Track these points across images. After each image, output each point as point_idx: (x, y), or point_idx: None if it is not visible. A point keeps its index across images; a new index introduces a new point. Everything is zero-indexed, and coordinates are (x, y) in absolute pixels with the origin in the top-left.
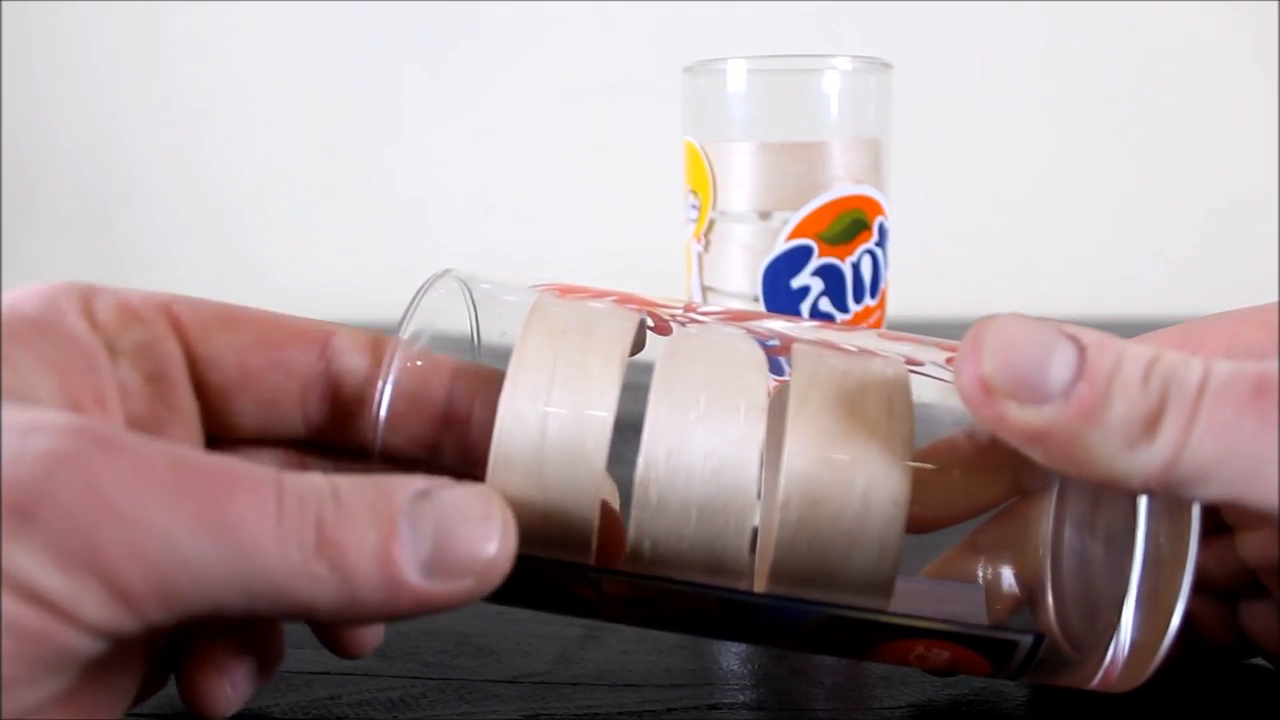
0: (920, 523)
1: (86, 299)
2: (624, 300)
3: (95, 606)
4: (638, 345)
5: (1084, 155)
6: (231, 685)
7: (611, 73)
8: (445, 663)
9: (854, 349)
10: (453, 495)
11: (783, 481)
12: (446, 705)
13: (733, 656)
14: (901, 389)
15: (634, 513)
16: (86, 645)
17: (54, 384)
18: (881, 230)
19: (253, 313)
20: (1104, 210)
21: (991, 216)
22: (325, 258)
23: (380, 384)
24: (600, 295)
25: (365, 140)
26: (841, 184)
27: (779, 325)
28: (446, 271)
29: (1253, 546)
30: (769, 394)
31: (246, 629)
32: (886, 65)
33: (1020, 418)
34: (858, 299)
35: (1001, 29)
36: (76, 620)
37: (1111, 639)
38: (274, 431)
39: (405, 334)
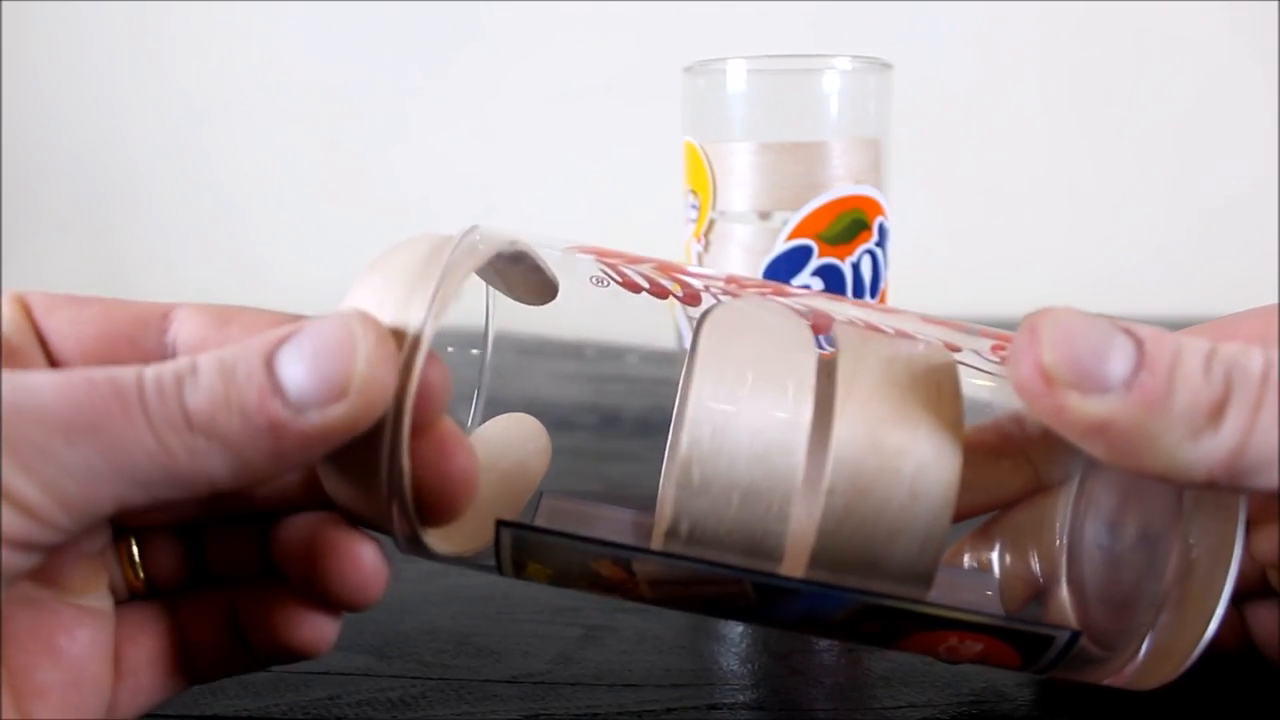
0: None
1: None
2: (664, 268)
3: (8, 523)
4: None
5: (1083, 155)
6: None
7: (611, 73)
8: (445, 663)
9: (893, 331)
10: (310, 330)
11: (830, 467)
12: (446, 705)
13: (732, 657)
14: (949, 374)
15: (673, 491)
16: (18, 559)
17: None
18: (881, 230)
19: (103, 298)
20: (1103, 209)
21: (991, 216)
22: (326, 258)
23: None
24: (635, 260)
25: (366, 140)
26: (841, 184)
27: (819, 302)
28: (474, 228)
29: (1269, 543)
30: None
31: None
32: (886, 65)
33: (1082, 408)
34: (858, 299)
35: (1001, 29)
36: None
37: (1145, 637)
38: None
39: (436, 298)
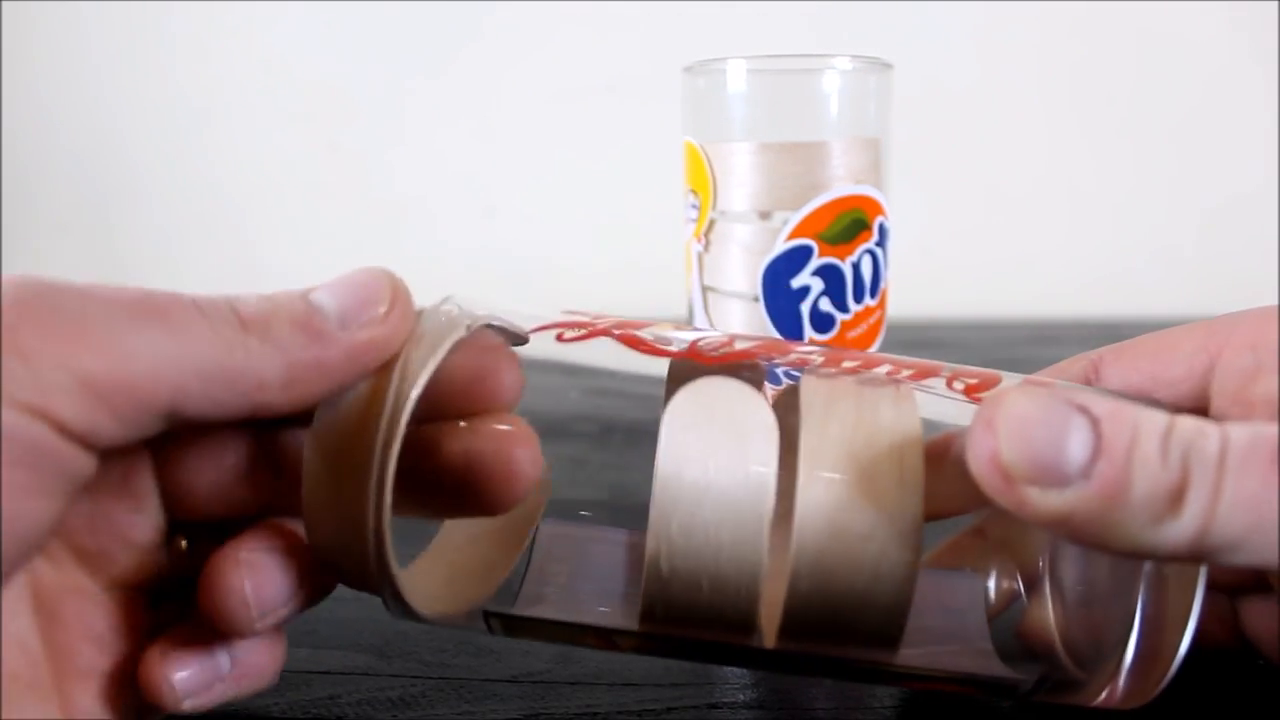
0: (927, 514)
1: None
2: (624, 325)
3: (73, 414)
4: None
5: (1083, 155)
6: (180, 678)
7: (611, 73)
8: (445, 662)
9: (860, 378)
10: (345, 274)
11: (793, 552)
12: (446, 704)
13: None
14: (913, 445)
15: (644, 583)
16: (78, 457)
17: None
18: (881, 230)
19: None
20: (1103, 210)
21: (991, 216)
22: (326, 258)
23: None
24: (601, 332)
25: (366, 140)
26: (841, 184)
27: (790, 357)
28: (446, 299)
29: None
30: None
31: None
32: (886, 65)
33: (1043, 503)
34: (858, 299)
35: (1001, 28)
36: (64, 427)
37: (1119, 663)
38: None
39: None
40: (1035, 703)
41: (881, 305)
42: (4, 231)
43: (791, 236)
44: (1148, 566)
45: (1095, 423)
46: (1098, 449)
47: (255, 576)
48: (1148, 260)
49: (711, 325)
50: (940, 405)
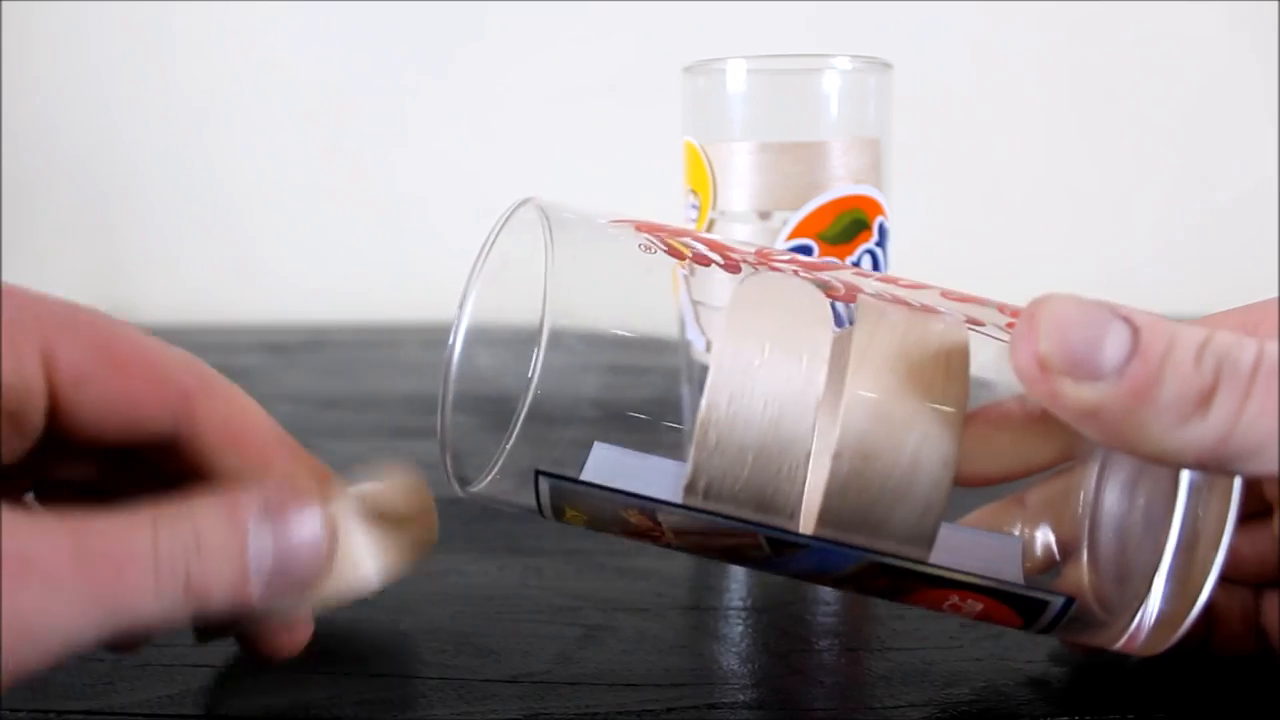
0: (973, 478)
1: None
2: (708, 242)
3: None
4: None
5: (1083, 154)
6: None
7: (611, 73)
8: (445, 663)
9: (917, 305)
10: (286, 520)
11: (838, 432)
12: (446, 705)
13: (732, 656)
14: (959, 351)
15: (693, 452)
16: None
17: None
18: (881, 230)
19: (128, 363)
20: (1103, 209)
21: (991, 216)
22: (326, 258)
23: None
24: (677, 233)
25: (366, 140)
26: (841, 184)
27: (847, 275)
28: (526, 200)
29: None
30: (831, 344)
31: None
32: (886, 65)
33: (1075, 395)
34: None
35: (1001, 28)
36: None
37: (1140, 607)
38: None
39: (485, 262)
40: (1042, 679)
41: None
42: (4, 232)
43: (791, 236)
44: (1181, 522)
45: (1135, 329)
46: (1134, 351)
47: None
48: (1148, 260)
49: (703, 332)
50: (989, 344)
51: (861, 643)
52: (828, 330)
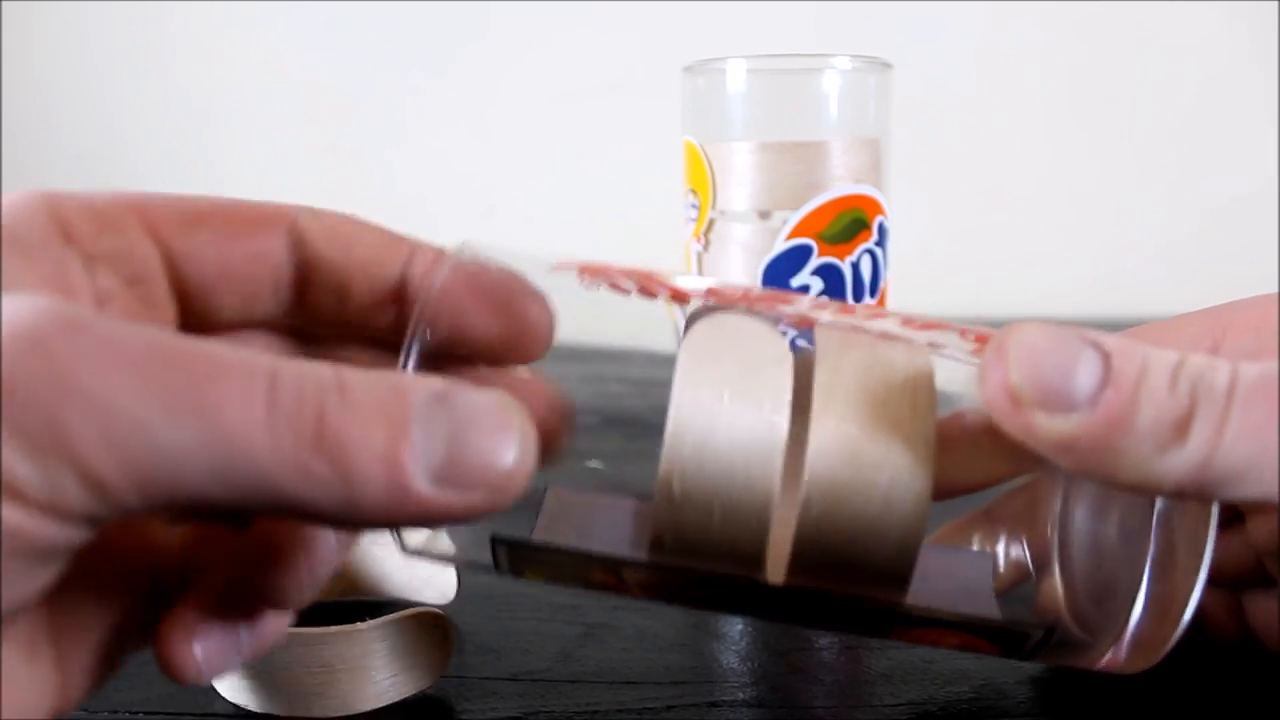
0: (937, 491)
1: (55, 209)
2: (645, 277)
3: (69, 494)
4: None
5: (1084, 155)
6: (202, 650)
7: (611, 73)
8: None
9: (878, 333)
10: (472, 400)
11: (805, 478)
12: (446, 704)
13: (732, 654)
14: (925, 384)
15: (656, 505)
16: (66, 534)
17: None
18: (881, 230)
19: (218, 204)
20: (1103, 210)
21: (991, 216)
22: None
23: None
24: (627, 274)
25: (366, 140)
26: (841, 183)
27: (805, 306)
28: (464, 244)
29: (1264, 532)
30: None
31: (236, 594)
32: (886, 65)
33: (1049, 427)
34: (857, 299)
35: (1001, 28)
36: (53, 509)
37: (1123, 628)
38: (252, 323)
39: (424, 310)
40: (1036, 681)
41: (881, 305)
42: None
43: (791, 236)
44: (1156, 538)
45: (1106, 355)
46: (1106, 379)
47: (205, 641)
48: (1148, 260)
49: None
50: (954, 366)
51: (861, 641)
52: (787, 371)
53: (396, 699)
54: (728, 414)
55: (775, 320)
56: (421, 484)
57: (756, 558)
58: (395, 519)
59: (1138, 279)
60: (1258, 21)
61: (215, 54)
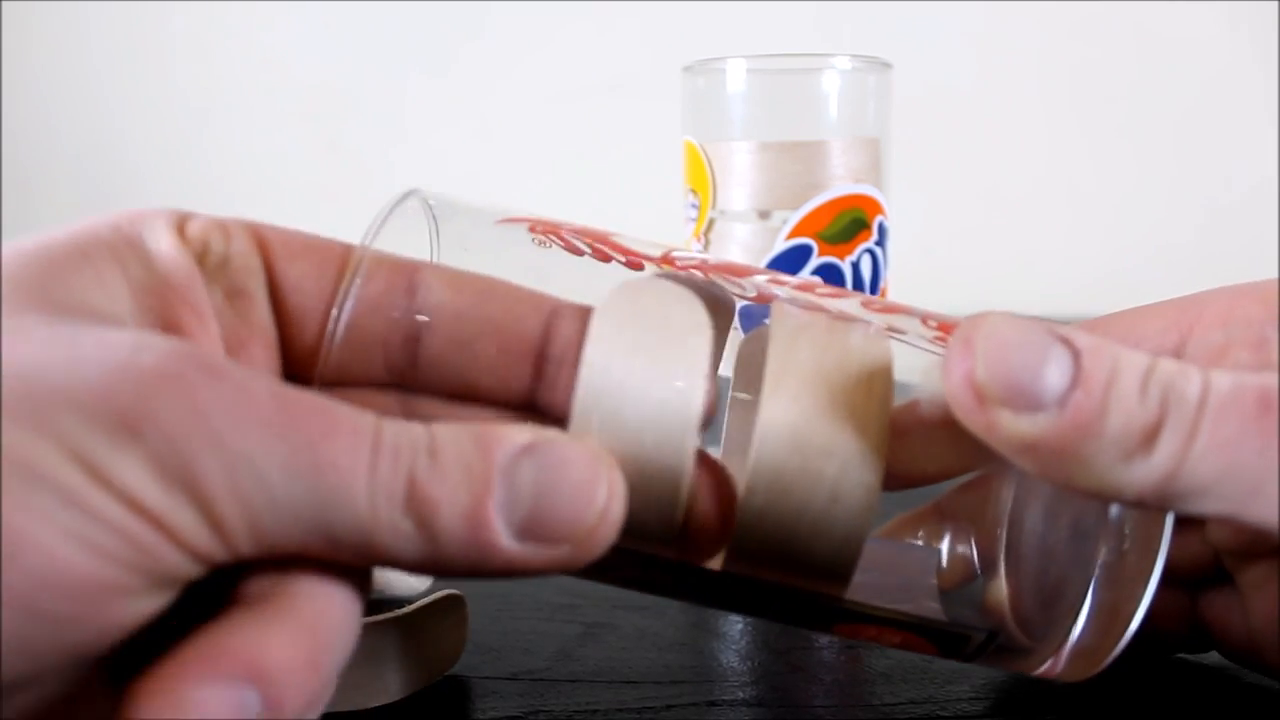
0: (886, 482)
1: (178, 219)
2: (601, 239)
3: (192, 529)
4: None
5: (1083, 154)
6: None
7: (611, 73)
8: None
9: (836, 313)
10: (558, 454)
11: (751, 464)
12: (446, 704)
13: (732, 653)
14: (883, 370)
15: None
16: (184, 567)
17: (144, 304)
18: (881, 229)
19: (335, 243)
20: (1103, 209)
21: (991, 215)
22: None
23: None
24: (579, 233)
25: (366, 140)
26: (841, 183)
27: (761, 280)
28: (411, 192)
29: (1223, 531)
30: (710, 360)
31: None
32: (886, 64)
33: (1013, 427)
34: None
35: (1001, 28)
36: (177, 538)
37: (1066, 635)
38: (353, 367)
39: (365, 255)
40: (979, 665)
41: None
42: (4, 232)
43: (791, 236)
44: (1108, 542)
45: (1076, 354)
46: (1075, 379)
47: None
48: (1148, 260)
49: None
50: (914, 354)
51: (861, 640)
52: (705, 340)
53: (415, 689)
54: (637, 391)
55: (732, 293)
56: (504, 540)
57: (668, 536)
58: (480, 572)
59: (1137, 278)
60: (1258, 21)
61: (215, 54)
